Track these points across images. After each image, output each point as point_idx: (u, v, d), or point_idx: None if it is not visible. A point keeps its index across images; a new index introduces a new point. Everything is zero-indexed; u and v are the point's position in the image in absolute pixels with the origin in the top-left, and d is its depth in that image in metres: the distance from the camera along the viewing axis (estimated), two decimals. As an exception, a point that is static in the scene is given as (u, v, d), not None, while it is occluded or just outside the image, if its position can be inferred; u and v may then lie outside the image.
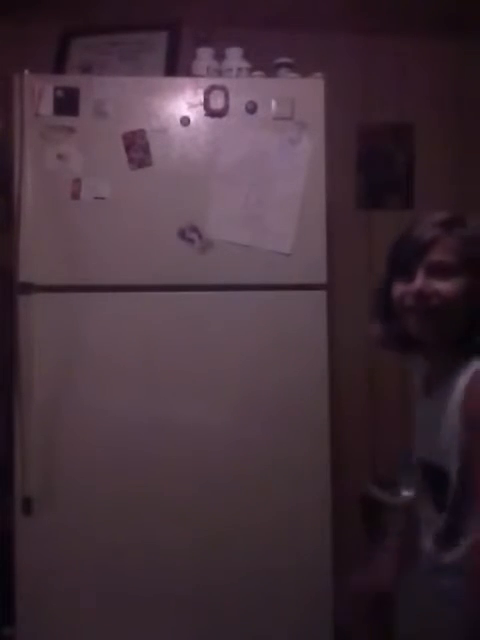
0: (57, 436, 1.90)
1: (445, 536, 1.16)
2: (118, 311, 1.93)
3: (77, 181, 1.92)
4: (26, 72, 1.90)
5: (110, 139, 1.92)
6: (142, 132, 1.93)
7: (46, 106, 1.91)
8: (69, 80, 1.97)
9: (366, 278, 2.58)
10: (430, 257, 1.15)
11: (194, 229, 1.93)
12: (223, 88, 1.95)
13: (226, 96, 1.95)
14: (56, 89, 1.92)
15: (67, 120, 1.92)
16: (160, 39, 2.22)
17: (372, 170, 2.60)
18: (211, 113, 1.95)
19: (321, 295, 1.97)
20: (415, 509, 1.29)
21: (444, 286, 1.14)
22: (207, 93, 1.95)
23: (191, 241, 1.94)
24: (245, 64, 2.09)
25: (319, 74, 1.98)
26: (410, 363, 1.35)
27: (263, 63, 2.10)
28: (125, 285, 1.92)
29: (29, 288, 1.89)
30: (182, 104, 1.95)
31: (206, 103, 1.95)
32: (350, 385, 2.50)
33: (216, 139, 1.95)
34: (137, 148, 1.93)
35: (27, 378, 1.88)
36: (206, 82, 1.97)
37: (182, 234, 1.93)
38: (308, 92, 1.97)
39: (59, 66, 2.22)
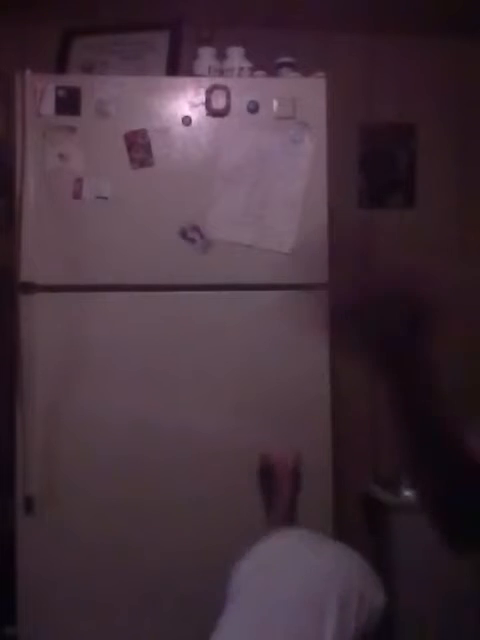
0: (58, 435, 1.90)
1: None
2: (119, 311, 1.93)
3: (78, 181, 1.92)
4: (28, 72, 1.90)
5: (112, 139, 1.93)
6: (143, 132, 1.93)
7: (47, 106, 1.91)
8: (71, 80, 1.97)
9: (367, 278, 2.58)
10: None
11: (195, 229, 1.93)
12: (225, 88, 1.95)
13: (228, 96, 1.95)
14: (57, 89, 1.92)
15: (68, 120, 1.92)
16: (162, 39, 2.22)
17: (374, 170, 2.59)
18: (213, 113, 1.95)
19: (323, 295, 1.97)
20: None
21: None
22: (209, 93, 1.95)
23: (192, 241, 1.94)
24: (247, 64, 2.09)
25: (321, 74, 1.98)
26: None
27: (265, 63, 2.10)
28: (126, 285, 1.92)
29: (30, 288, 1.89)
30: (184, 104, 1.95)
31: (208, 103, 1.94)
32: (351, 384, 2.50)
33: (218, 139, 1.94)
34: (138, 148, 1.93)
35: (29, 377, 1.88)
36: (208, 82, 1.97)
37: (183, 234, 1.93)
38: (310, 92, 1.97)
39: (60, 66, 2.22)
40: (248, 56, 2.10)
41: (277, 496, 1.68)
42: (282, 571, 1.31)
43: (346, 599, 1.22)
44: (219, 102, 1.95)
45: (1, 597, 1.98)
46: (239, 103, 1.95)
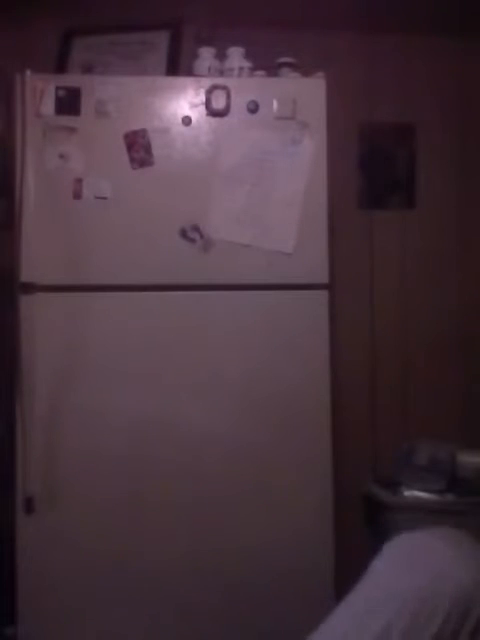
0: (58, 435, 1.90)
1: None
2: (119, 311, 1.93)
3: (78, 181, 1.92)
4: (28, 72, 1.90)
5: (112, 139, 1.93)
6: (143, 132, 1.93)
7: (47, 106, 1.91)
8: (71, 80, 1.97)
9: (368, 278, 2.58)
10: None
11: (196, 229, 1.93)
12: (225, 88, 1.95)
13: (228, 96, 1.95)
14: (57, 89, 1.92)
15: (68, 120, 1.92)
16: (161, 39, 2.22)
17: (374, 170, 2.59)
18: (213, 113, 1.95)
19: (323, 295, 1.97)
20: None
21: None
22: (209, 93, 1.95)
23: (193, 241, 1.94)
24: (247, 64, 2.09)
25: (321, 74, 1.98)
26: None
27: (265, 63, 2.10)
28: (126, 285, 1.92)
29: (31, 288, 1.89)
30: (184, 104, 1.95)
31: (208, 103, 1.95)
32: (352, 385, 2.50)
33: (218, 139, 1.95)
34: (139, 148, 1.93)
35: (29, 378, 1.88)
36: (208, 82, 1.97)
37: (183, 234, 1.93)
38: (310, 92, 1.97)
39: (60, 66, 2.22)
40: (248, 56, 2.10)
41: None
42: (410, 563, 1.27)
43: (463, 609, 1.18)
44: (219, 102, 1.95)
45: (1, 597, 1.99)
46: (239, 103, 1.95)
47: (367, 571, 1.35)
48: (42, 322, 1.90)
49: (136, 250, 1.93)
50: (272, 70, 2.11)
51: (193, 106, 1.95)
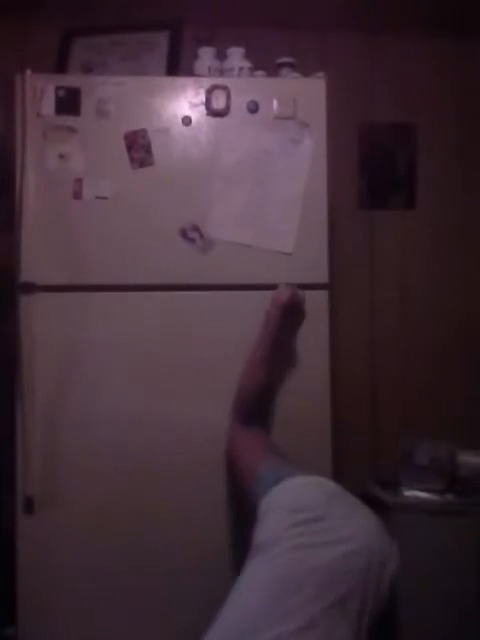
0: (59, 435, 1.90)
1: None
2: (119, 311, 1.93)
3: (78, 181, 1.92)
4: (28, 72, 1.90)
5: (112, 139, 1.93)
6: (143, 132, 1.93)
7: (48, 106, 1.91)
8: (71, 80, 1.97)
9: (368, 278, 2.58)
10: None
11: (196, 229, 1.93)
12: (225, 88, 1.95)
13: (228, 96, 1.95)
14: (58, 89, 1.92)
15: (69, 120, 1.92)
16: (162, 39, 2.22)
17: (374, 170, 2.59)
18: (213, 113, 1.95)
19: (323, 295, 1.97)
20: None
21: None
22: (209, 93, 1.95)
23: (193, 241, 1.94)
24: (247, 64, 2.09)
25: (321, 74, 1.98)
26: None
27: (265, 63, 2.10)
28: (126, 285, 1.92)
29: (30, 288, 1.89)
30: (184, 104, 1.95)
31: (208, 103, 1.95)
32: (351, 384, 2.50)
33: (218, 139, 1.95)
34: (139, 148, 1.93)
35: (29, 377, 1.88)
36: (208, 82, 1.97)
37: (183, 234, 1.93)
38: (310, 92, 1.97)
39: (61, 66, 2.22)
40: (248, 56, 2.10)
41: (264, 329, 1.86)
42: (326, 529, 1.31)
43: (371, 565, 1.22)
44: (219, 102, 1.95)
45: (1, 597, 1.99)
46: (239, 103, 1.95)
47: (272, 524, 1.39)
48: (42, 322, 1.90)
49: (136, 250, 1.93)
50: (272, 70, 2.11)
51: (193, 106, 1.95)
